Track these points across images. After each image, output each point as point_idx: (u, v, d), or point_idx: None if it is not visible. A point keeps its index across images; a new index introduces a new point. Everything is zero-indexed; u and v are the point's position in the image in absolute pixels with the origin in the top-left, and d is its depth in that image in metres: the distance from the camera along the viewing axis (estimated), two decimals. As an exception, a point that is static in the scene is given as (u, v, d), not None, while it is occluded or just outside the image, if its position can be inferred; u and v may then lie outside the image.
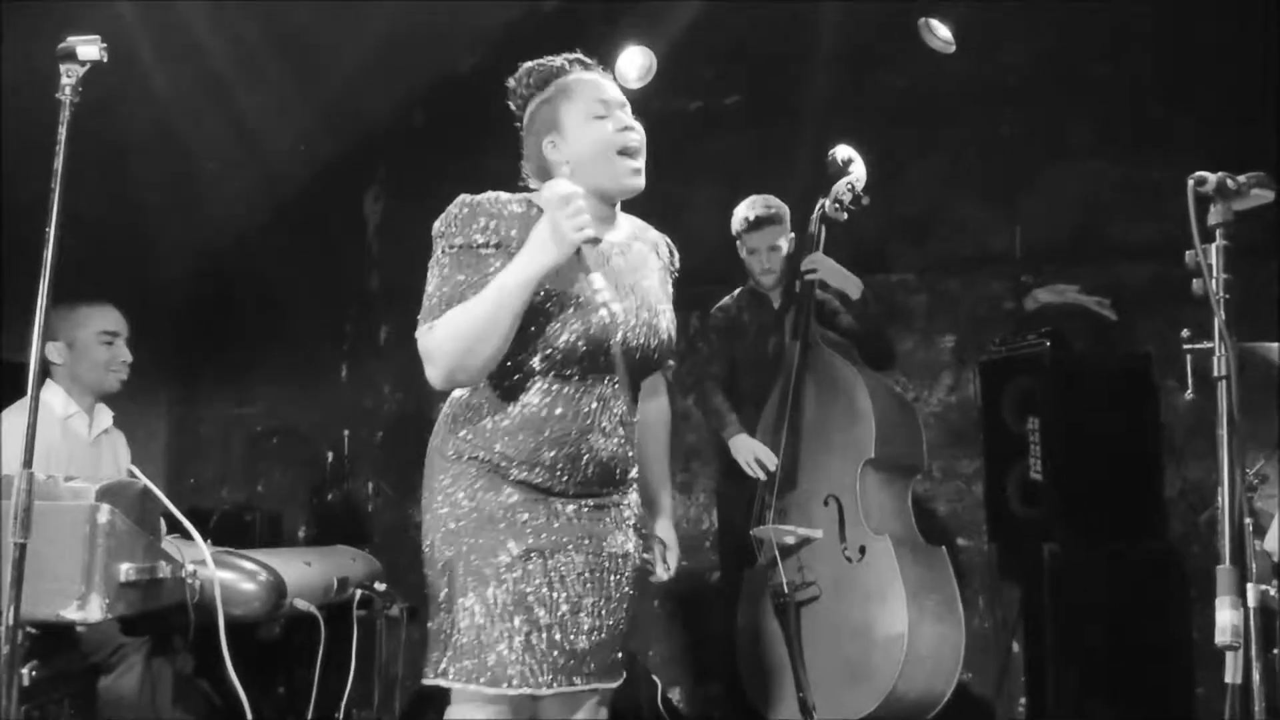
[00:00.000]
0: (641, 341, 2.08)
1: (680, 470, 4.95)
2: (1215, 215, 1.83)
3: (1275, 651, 2.44)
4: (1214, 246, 1.83)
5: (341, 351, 5.40)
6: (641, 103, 4.64)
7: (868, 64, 4.69)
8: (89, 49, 2.07)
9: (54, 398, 3.15)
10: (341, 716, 3.26)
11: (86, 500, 2.30)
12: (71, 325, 3.17)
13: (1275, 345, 2.76)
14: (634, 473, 2.19)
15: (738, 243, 3.96)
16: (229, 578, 2.87)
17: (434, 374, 1.98)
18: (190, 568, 2.61)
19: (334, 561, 3.54)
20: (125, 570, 2.30)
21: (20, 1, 3.17)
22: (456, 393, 2.12)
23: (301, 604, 3.11)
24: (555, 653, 1.99)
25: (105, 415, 3.31)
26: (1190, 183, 1.84)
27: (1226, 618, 1.68)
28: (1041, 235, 4.60)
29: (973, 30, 4.33)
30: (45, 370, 3.12)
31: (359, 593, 3.47)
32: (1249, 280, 1.86)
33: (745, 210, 3.93)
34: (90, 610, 2.23)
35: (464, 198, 2.04)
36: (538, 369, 2.03)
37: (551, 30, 4.20)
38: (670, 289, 2.24)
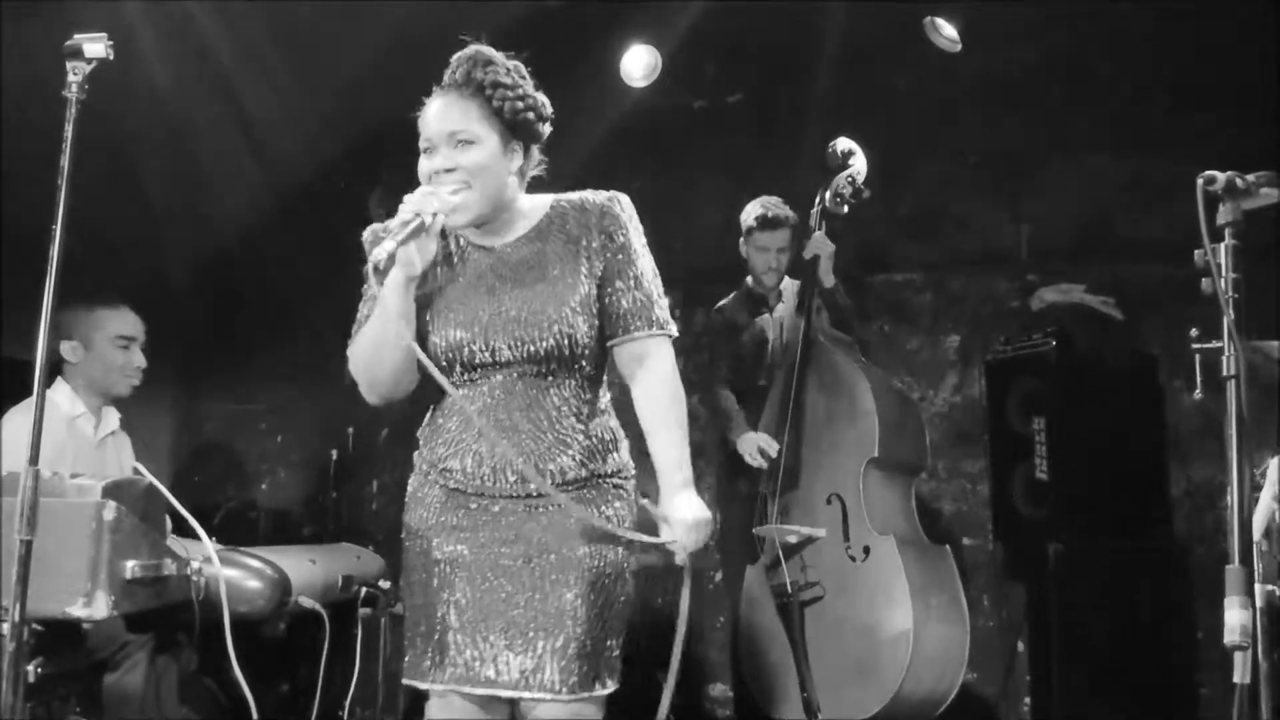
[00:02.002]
0: (510, 342, 2.01)
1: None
2: (1224, 214, 1.82)
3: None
4: (1223, 246, 1.82)
5: (346, 350, 5.39)
6: (646, 100, 4.75)
7: (872, 62, 4.68)
8: (95, 46, 2.06)
9: (61, 397, 3.14)
10: (345, 714, 3.26)
11: (92, 497, 2.29)
12: (89, 326, 3.16)
13: (1276, 344, 2.75)
14: (582, 472, 2.03)
15: (744, 240, 3.96)
16: (234, 575, 2.87)
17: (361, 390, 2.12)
18: (195, 565, 2.60)
19: (338, 559, 3.55)
20: (131, 567, 2.30)
21: (22, 1, 3.17)
22: None
23: (306, 601, 3.11)
24: (466, 653, 1.97)
25: (112, 417, 3.29)
26: (1200, 181, 1.83)
27: (1235, 618, 1.67)
28: (1047, 234, 4.59)
29: (978, 29, 4.32)
30: (54, 369, 3.12)
31: (363, 590, 3.48)
32: (1249, 279, 1.85)
33: (759, 209, 3.93)
34: (96, 607, 2.22)
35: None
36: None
37: (557, 29, 4.19)
38: (597, 262, 2.06)
